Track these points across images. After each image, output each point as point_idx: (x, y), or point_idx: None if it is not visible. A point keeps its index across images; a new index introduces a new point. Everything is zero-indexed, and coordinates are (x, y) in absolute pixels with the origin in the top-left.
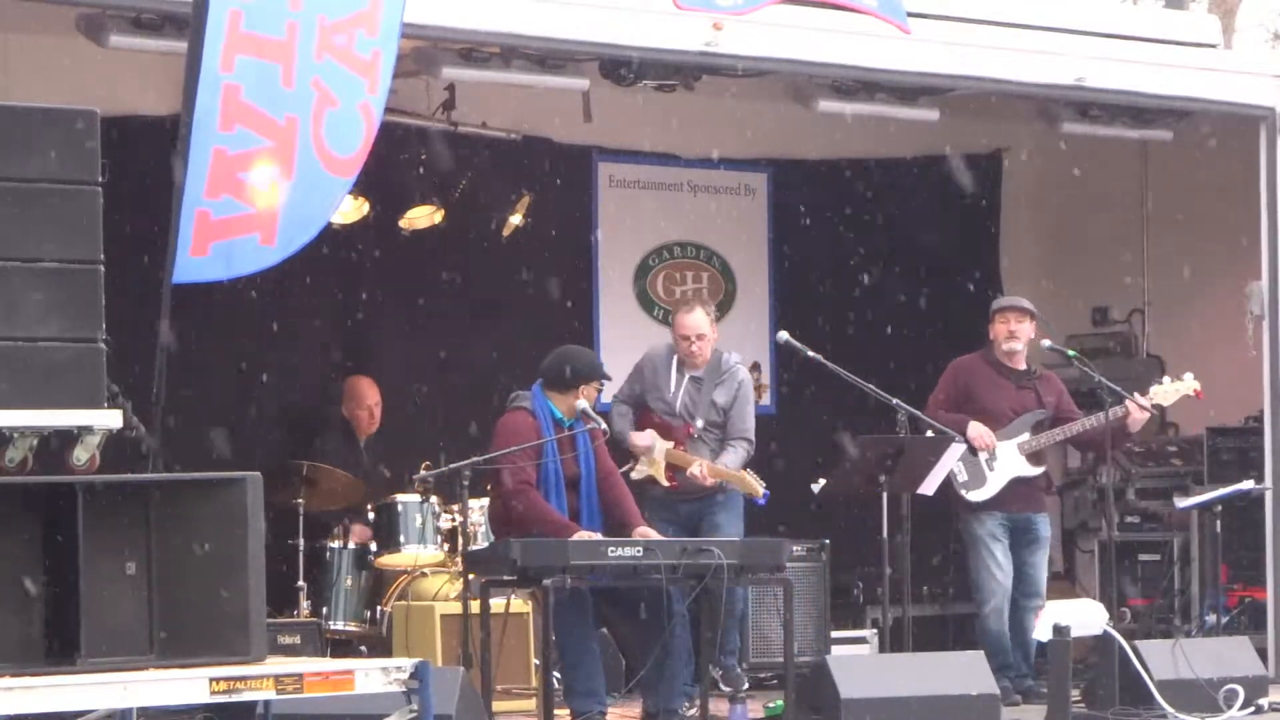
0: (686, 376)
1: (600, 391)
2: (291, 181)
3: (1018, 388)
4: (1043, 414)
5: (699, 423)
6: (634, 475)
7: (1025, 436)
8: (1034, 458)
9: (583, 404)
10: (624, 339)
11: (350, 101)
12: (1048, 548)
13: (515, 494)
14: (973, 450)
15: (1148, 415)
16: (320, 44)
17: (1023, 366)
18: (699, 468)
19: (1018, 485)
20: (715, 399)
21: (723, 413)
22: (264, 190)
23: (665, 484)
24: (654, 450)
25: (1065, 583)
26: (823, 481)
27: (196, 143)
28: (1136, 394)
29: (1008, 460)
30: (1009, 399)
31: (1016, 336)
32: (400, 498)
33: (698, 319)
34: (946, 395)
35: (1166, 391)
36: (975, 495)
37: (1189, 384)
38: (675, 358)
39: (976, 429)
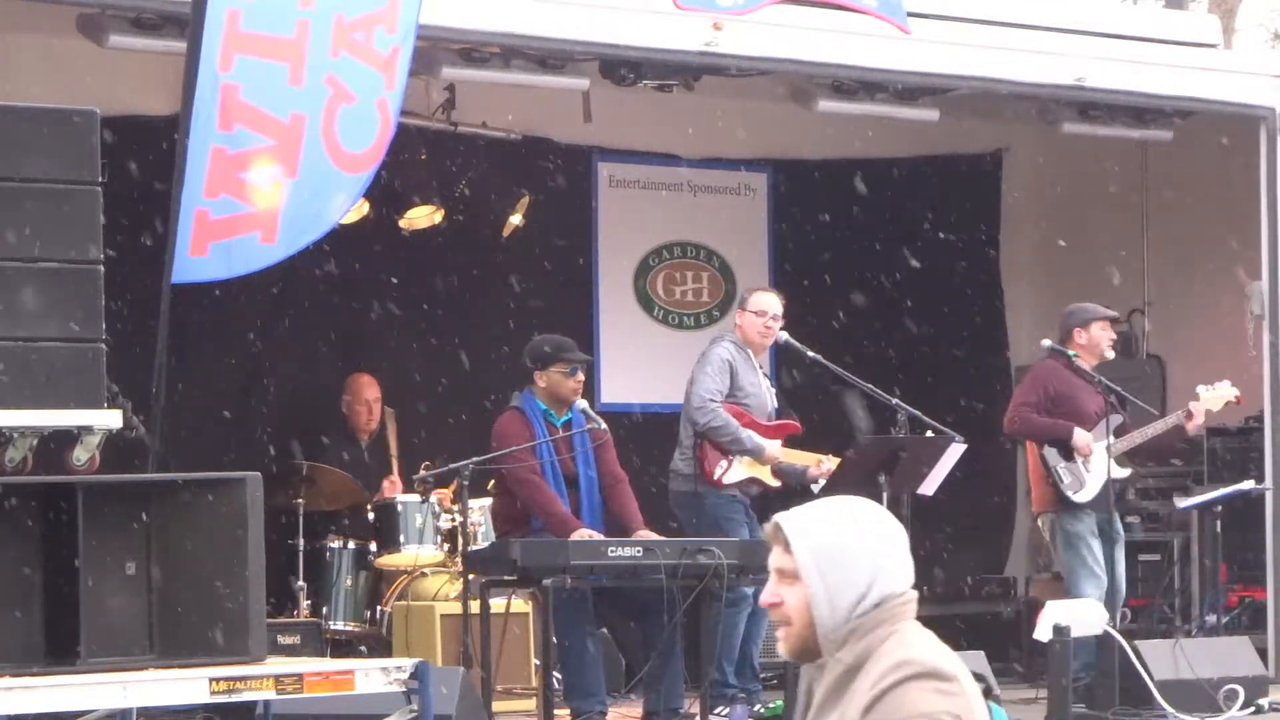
0: (758, 370)
1: (568, 374)
2: (295, 180)
3: (1094, 393)
4: (1119, 417)
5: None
6: (729, 479)
7: (1111, 440)
8: (1119, 460)
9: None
10: (624, 339)
11: (369, 97)
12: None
13: (524, 483)
14: (1069, 456)
15: (1203, 420)
16: (337, 41)
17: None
18: (829, 463)
19: (1107, 486)
20: (772, 387)
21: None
22: (265, 189)
23: (774, 484)
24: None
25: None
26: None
27: (195, 142)
28: (1190, 404)
29: (1100, 463)
30: (1095, 404)
31: (1116, 342)
32: (400, 498)
33: (777, 297)
34: (1037, 399)
35: (1213, 397)
36: (1079, 496)
37: (1231, 390)
38: (746, 350)
39: (1083, 437)
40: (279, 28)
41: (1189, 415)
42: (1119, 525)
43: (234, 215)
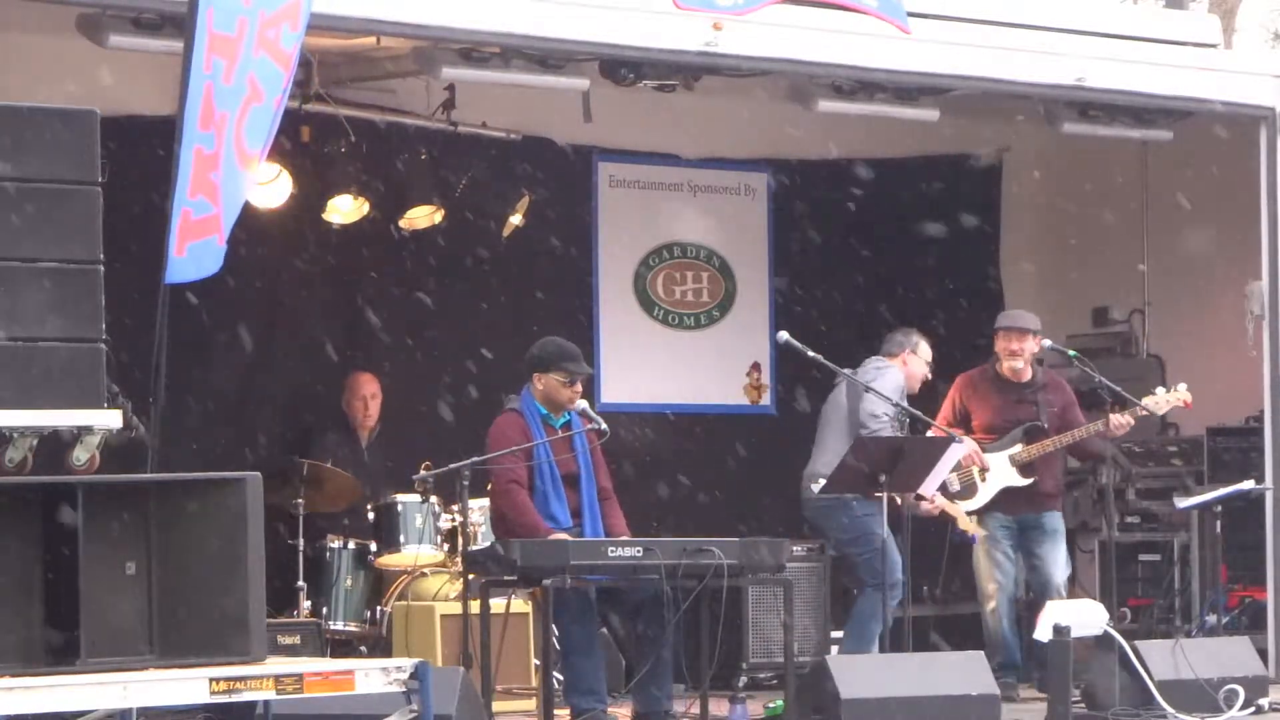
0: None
1: (566, 383)
2: (223, 179)
3: (1017, 401)
4: (1035, 425)
5: None
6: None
7: (1017, 448)
8: (1025, 469)
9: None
10: (624, 339)
11: (271, 96)
12: (1062, 541)
13: (502, 492)
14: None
15: (1129, 424)
16: (259, 40)
17: (1026, 379)
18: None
19: (1010, 493)
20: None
21: None
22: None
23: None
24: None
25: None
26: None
27: (184, 142)
28: (1114, 414)
29: (999, 471)
30: (1007, 413)
31: (1017, 355)
32: (400, 498)
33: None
34: (950, 409)
35: (1159, 401)
36: (966, 505)
37: (1181, 394)
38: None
39: (967, 448)
40: (228, 26)
41: (1107, 423)
42: (1050, 522)
43: (206, 216)
